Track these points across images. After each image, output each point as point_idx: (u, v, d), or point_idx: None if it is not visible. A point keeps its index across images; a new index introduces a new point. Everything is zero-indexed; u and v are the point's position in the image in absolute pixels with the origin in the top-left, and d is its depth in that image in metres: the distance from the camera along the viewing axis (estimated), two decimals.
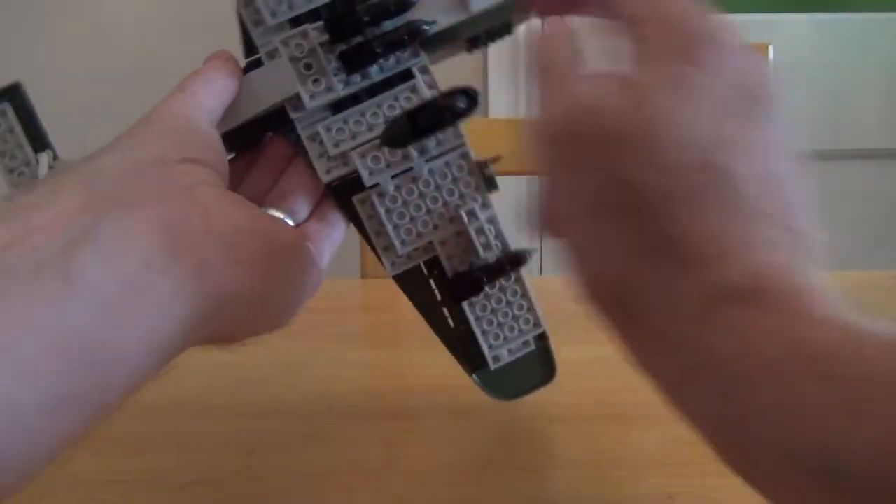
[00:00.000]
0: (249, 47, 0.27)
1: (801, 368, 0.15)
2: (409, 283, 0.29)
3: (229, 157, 0.29)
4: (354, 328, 0.48)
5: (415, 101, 0.26)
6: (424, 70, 0.26)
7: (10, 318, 0.14)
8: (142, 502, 0.26)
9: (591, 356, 0.39)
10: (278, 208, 0.27)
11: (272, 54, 0.26)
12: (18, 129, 0.28)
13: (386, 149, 0.26)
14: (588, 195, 0.18)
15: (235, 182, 0.29)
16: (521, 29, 0.27)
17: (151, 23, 1.16)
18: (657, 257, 0.17)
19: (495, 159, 0.26)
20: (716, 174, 0.17)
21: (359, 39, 0.25)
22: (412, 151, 0.26)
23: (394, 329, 0.49)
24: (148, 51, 1.11)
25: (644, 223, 0.17)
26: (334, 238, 0.29)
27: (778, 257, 0.17)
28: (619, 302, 0.18)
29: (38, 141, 0.28)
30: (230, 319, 0.21)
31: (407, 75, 0.26)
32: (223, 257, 0.19)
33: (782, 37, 1.23)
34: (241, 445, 0.30)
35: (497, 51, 1.22)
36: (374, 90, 0.26)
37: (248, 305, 0.22)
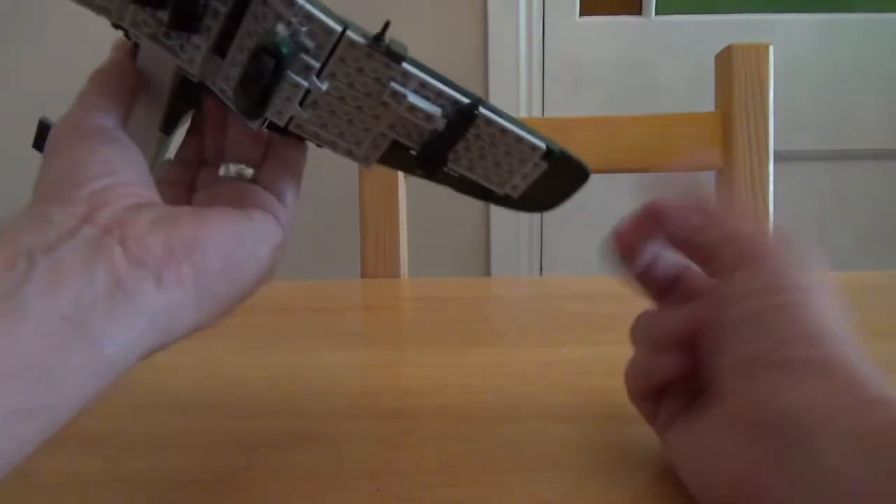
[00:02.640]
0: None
1: None
2: (393, 164, 0.28)
3: (182, 125, 0.30)
4: (354, 328, 0.48)
5: (272, 9, 0.23)
6: None
7: None
8: (142, 502, 0.26)
9: (591, 356, 0.39)
10: (237, 161, 0.28)
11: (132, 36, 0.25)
12: None
13: (283, 83, 0.24)
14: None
15: (194, 150, 0.30)
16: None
17: None
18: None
19: (385, 26, 0.24)
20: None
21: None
22: (294, 78, 0.24)
23: (394, 329, 0.49)
24: None
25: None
26: (295, 170, 0.29)
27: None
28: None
29: None
30: (182, 328, 0.23)
31: None
32: (148, 282, 0.21)
33: (782, 37, 1.23)
34: (241, 445, 0.30)
35: (497, 50, 1.22)
36: (236, 17, 0.24)
37: (195, 314, 0.23)
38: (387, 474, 0.27)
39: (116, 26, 0.26)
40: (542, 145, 0.27)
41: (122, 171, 0.23)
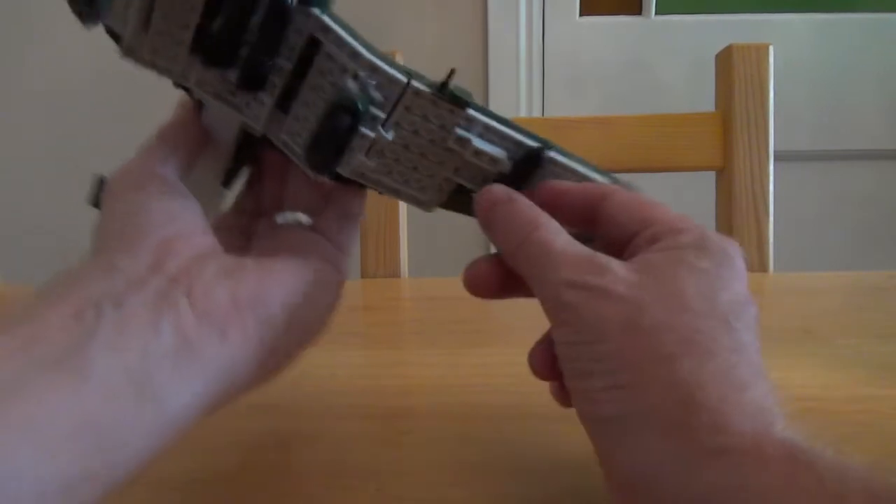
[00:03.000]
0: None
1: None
2: (456, 208, 0.28)
3: (240, 179, 0.30)
4: (354, 328, 0.48)
5: (338, 64, 0.24)
6: (325, 28, 0.23)
7: (35, 405, 0.16)
8: (142, 502, 0.26)
9: None
10: (294, 211, 0.28)
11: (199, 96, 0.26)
12: None
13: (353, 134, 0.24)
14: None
15: (252, 199, 0.30)
16: None
17: None
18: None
19: (451, 74, 0.24)
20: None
21: (244, 54, 0.24)
22: (362, 130, 0.24)
23: (394, 329, 0.49)
24: None
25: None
26: (354, 217, 0.29)
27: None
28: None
29: None
30: (245, 383, 0.23)
31: (314, 42, 0.24)
32: (213, 336, 0.21)
33: (782, 37, 1.23)
34: (241, 445, 0.30)
35: (497, 50, 1.22)
36: (299, 73, 0.24)
37: (259, 368, 0.23)
38: (387, 474, 0.27)
39: (179, 85, 0.26)
40: (610, 183, 0.27)
41: (184, 220, 0.23)
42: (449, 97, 0.24)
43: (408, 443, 0.30)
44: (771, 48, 0.68)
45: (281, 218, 0.29)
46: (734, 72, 0.68)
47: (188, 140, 0.27)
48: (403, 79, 0.24)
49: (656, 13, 1.25)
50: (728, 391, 0.19)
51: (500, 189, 0.26)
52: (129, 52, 0.25)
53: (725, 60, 0.69)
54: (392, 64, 0.24)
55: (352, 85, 0.23)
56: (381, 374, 0.39)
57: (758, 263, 0.67)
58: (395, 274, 0.67)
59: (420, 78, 0.25)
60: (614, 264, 0.22)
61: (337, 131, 0.23)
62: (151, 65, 0.25)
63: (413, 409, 0.34)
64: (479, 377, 0.38)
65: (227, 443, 0.30)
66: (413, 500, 0.26)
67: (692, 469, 0.18)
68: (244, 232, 0.29)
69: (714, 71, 0.71)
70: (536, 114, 1.25)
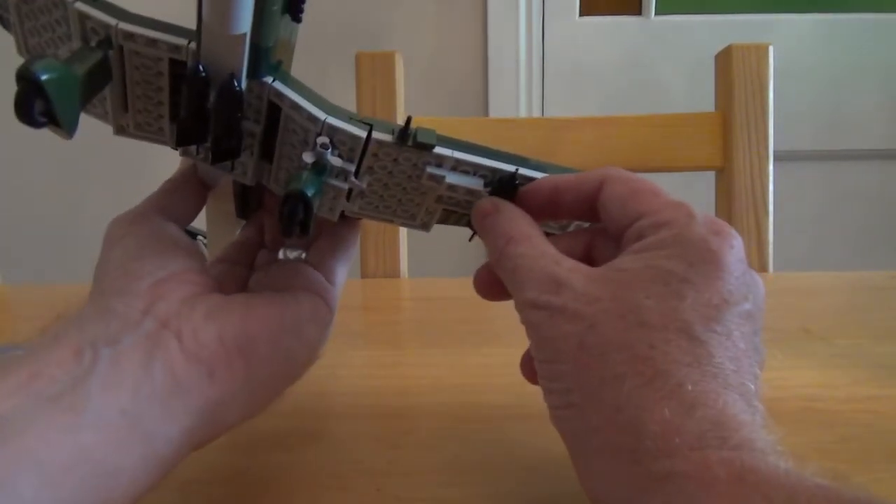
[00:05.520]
0: None
1: None
2: (454, 223, 0.29)
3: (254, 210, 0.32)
4: (354, 328, 0.48)
5: (299, 125, 0.24)
6: (279, 95, 0.24)
7: (36, 439, 0.17)
8: (141, 502, 0.26)
9: None
10: (294, 248, 0.30)
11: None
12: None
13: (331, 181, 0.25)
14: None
15: (254, 231, 0.31)
16: None
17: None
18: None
19: (408, 121, 0.25)
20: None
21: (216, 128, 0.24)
22: (334, 183, 0.25)
23: (394, 329, 0.49)
24: None
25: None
26: (346, 249, 0.30)
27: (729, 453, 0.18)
28: None
29: None
30: (233, 418, 0.23)
31: (274, 98, 0.24)
32: (202, 375, 0.22)
33: (782, 37, 1.23)
34: (241, 445, 0.30)
35: (497, 51, 1.22)
36: (271, 129, 0.25)
37: (246, 404, 0.24)
38: (387, 474, 0.27)
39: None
40: None
41: (176, 261, 0.24)
42: (413, 143, 0.25)
43: (408, 443, 0.30)
44: (771, 48, 0.68)
45: (282, 254, 0.30)
46: (734, 72, 0.68)
47: (187, 189, 0.28)
48: (363, 133, 0.24)
49: (656, 13, 1.25)
50: (675, 412, 0.18)
51: (486, 202, 0.26)
52: (119, 130, 0.27)
53: (725, 60, 0.69)
54: (350, 119, 0.24)
55: (307, 157, 0.24)
56: (381, 374, 0.39)
57: (758, 263, 0.67)
58: (395, 274, 0.67)
59: (382, 125, 0.25)
60: (575, 279, 0.21)
61: (293, 215, 0.23)
62: (143, 138, 0.27)
63: (413, 409, 0.34)
64: (479, 377, 0.38)
65: (226, 443, 0.30)
66: (413, 500, 0.26)
67: (639, 493, 0.18)
68: (245, 263, 0.30)
69: (714, 71, 0.71)
70: (536, 114, 1.25)
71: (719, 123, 0.69)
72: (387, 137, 0.25)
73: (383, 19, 1.21)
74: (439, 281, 0.63)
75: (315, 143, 0.24)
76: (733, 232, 0.22)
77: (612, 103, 1.26)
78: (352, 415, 0.33)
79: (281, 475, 0.28)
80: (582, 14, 1.25)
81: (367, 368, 0.40)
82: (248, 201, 0.31)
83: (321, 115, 0.24)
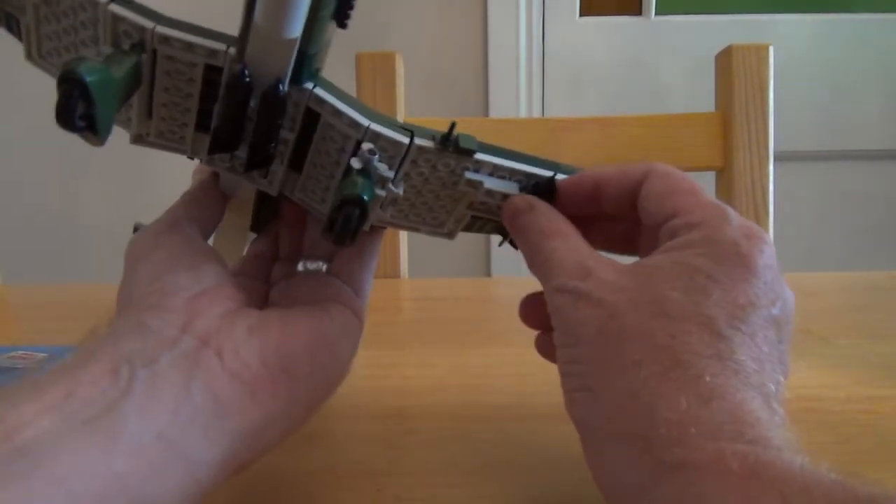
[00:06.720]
0: None
1: None
2: (477, 231, 0.29)
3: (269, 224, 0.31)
4: None
5: (339, 132, 0.24)
6: (320, 101, 0.23)
7: (68, 465, 0.16)
8: None
9: None
10: (314, 259, 0.29)
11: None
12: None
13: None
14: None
15: (268, 245, 0.30)
16: None
17: None
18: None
19: (452, 126, 0.25)
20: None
21: (247, 137, 0.24)
22: (378, 191, 0.24)
23: (394, 329, 0.49)
24: None
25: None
26: (372, 259, 0.29)
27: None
28: None
29: None
30: (273, 439, 0.23)
31: (312, 111, 0.24)
32: (244, 395, 0.21)
33: (782, 37, 1.23)
34: None
35: (497, 50, 1.22)
36: (304, 138, 0.25)
37: (285, 421, 0.23)
38: (387, 474, 0.27)
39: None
40: None
41: (209, 278, 0.23)
42: (454, 148, 0.24)
43: (408, 443, 0.30)
44: (771, 48, 0.68)
45: (302, 266, 0.29)
46: (734, 72, 0.68)
47: (209, 201, 0.28)
48: (405, 139, 0.24)
49: (656, 13, 1.25)
50: (692, 402, 0.18)
51: (520, 199, 0.26)
52: (137, 139, 0.26)
53: (725, 60, 0.69)
54: (392, 125, 0.24)
55: (355, 163, 0.23)
56: (381, 374, 0.39)
57: None
58: (395, 274, 0.67)
59: (422, 132, 0.25)
60: (602, 268, 0.22)
61: (349, 222, 0.23)
62: (161, 147, 0.26)
63: (413, 409, 0.34)
64: (479, 377, 0.38)
65: None
66: (413, 500, 0.26)
67: (651, 481, 0.18)
68: (262, 277, 0.29)
69: (714, 71, 0.71)
70: (536, 114, 1.25)
71: (719, 123, 0.69)
72: (428, 143, 0.24)
73: (383, 19, 1.21)
74: (439, 281, 0.63)
75: (356, 150, 0.24)
76: (766, 237, 0.22)
77: (612, 103, 1.26)
78: (352, 415, 0.33)
79: (281, 475, 0.28)
80: (582, 14, 1.25)
81: (367, 368, 0.40)
82: (260, 214, 0.30)
83: (364, 121, 0.23)
